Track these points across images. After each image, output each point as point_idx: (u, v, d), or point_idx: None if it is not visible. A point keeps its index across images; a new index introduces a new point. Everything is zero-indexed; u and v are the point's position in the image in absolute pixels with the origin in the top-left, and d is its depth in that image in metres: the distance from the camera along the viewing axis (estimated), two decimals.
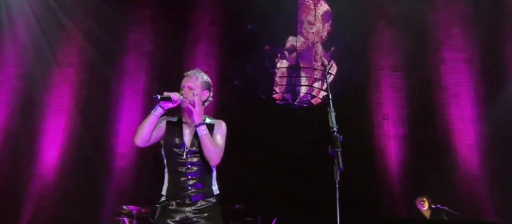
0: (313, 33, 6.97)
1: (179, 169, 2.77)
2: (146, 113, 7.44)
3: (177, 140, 2.81)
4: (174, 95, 2.74)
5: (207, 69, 7.40)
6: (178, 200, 2.74)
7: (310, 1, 7.07)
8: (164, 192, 2.82)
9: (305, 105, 6.83)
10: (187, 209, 2.73)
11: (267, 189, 6.33)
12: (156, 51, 7.56)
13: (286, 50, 6.94)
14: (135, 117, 7.34)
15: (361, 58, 7.18)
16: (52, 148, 7.15)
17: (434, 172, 6.59)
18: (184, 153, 2.77)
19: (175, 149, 2.79)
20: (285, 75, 6.85)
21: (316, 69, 6.76)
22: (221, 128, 2.88)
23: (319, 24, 7.00)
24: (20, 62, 7.42)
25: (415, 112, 6.91)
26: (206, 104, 2.94)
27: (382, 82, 7.15)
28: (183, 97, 2.78)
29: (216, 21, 7.62)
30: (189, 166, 2.76)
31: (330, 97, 2.69)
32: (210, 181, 2.83)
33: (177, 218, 2.72)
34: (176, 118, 2.93)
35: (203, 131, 2.73)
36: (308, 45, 6.93)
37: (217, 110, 6.95)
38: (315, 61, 6.82)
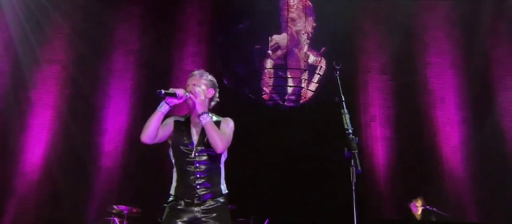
0: (298, 30, 6.99)
1: (188, 168, 2.77)
2: (133, 111, 7.43)
3: (185, 139, 2.82)
4: (179, 91, 2.75)
5: (195, 69, 7.36)
6: (186, 200, 2.74)
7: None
8: (172, 191, 2.82)
9: (293, 105, 6.85)
10: (195, 209, 2.73)
11: (259, 189, 6.34)
12: (143, 49, 7.50)
13: (272, 49, 6.95)
14: (122, 115, 7.28)
15: (349, 60, 7.23)
16: (37, 146, 7.02)
17: (420, 173, 6.72)
18: (193, 152, 2.78)
19: (183, 148, 2.80)
20: (272, 76, 6.86)
21: (304, 70, 6.78)
22: (227, 123, 2.91)
23: (303, 20, 7.03)
24: (5, 58, 7.25)
25: (401, 114, 7.01)
26: (212, 103, 2.97)
27: (369, 84, 7.23)
28: (189, 94, 2.79)
29: (204, 20, 7.59)
30: (198, 165, 2.77)
31: (343, 99, 2.68)
32: (218, 180, 2.84)
33: (186, 218, 2.72)
34: (184, 118, 2.95)
35: (206, 118, 2.74)
36: (295, 42, 6.95)
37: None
38: (303, 60, 6.84)
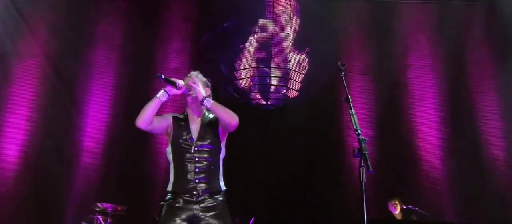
0: (283, 29, 7.03)
1: (187, 163, 2.78)
2: (115, 107, 7.32)
3: (185, 134, 2.85)
4: (179, 81, 2.80)
5: (179, 66, 7.36)
6: (185, 196, 2.73)
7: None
8: (169, 188, 2.81)
9: (276, 104, 6.89)
10: (194, 206, 2.72)
11: (244, 188, 6.34)
12: (126, 45, 7.41)
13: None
14: (103, 112, 7.18)
15: (331, 60, 7.30)
16: (13, 143, 6.85)
17: (400, 173, 6.85)
18: (193, 147, 2.80)
19: (183, 144, 2.82)
20: (256, 75, 6.88)
21: (289, 69, 6.83)
22: None
23: (288, 19, 7.08)
24: None
25: (382, 115, 7.13)
26: None
27: (351, 85, 7.31)
28: (188, 87, 2.85)
29: (189, 17, 7.55)
30: (197, 159, 2.78)
31: (350, 100, 2.70)
32: (217, 177, 2.86)
33: (185, 216, 2.71)
34: (182, 115, 2.97)
35: (210, 101, 2.80)
36: (280, 41, 6.98)
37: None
38: (287, 60, 6.89)
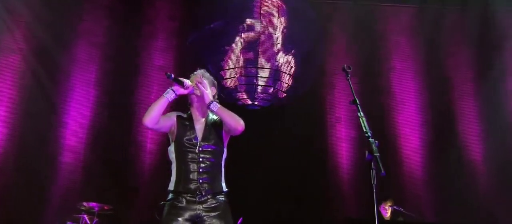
0: (270, 29, 7.03)
1: (191, 163, 2.76)
2: (97, 105, 7.20)
3: (189, 134, 2.83)
4: (187, 81, 2.79)
5: (164, 64, 7.31)
6: (188, 196, 2.71)
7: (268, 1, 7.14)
8: (172, 187, 2.78)
9: (263, 105, 6.89)
10: (197, 206, 2.70)
11: (232, 188, 6.31)
12: (109, 42, 7.28)
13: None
14: (85, 108, 7.05)
15: (316, 62, 7.37)
16: None
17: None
18: (197, 146, 2.78)
19: (187, 143, 2.80)
20: (243, 74, 6.87)
21: (275, 70, 6.84)
22: None
23: (275, 19, 7.09)
24: None
25: (365, 116, 7.20)
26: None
27: (336, 86, 7.40)
28: (195, 87, 2.83)
29: (174, 16, 7.49)
30: (201, 160, 2.76)
31: (358, 102, 2.70)
32: (219, 177, 2.85)
33: (188, 216, 2.69)
34: (186, 114, 2.95)
35: (216, 105, 2.79)
36: (267, 41, 6.98)
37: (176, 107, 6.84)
38: (274, 60, 6.90)
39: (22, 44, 7.00)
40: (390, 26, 7.65)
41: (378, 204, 5.88)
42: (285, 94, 7.01)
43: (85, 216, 5.18)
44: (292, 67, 6.97)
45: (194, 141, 2.80)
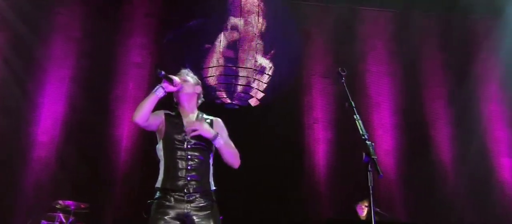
0: (250, 29, 7.06)
1: (179, 161, 2.75)
2: (71, 101, 7.03)
3: (178, 131, 2.81)
4: (176, 79, 2.80)
5: (141, 61, 7.22)
6: (176, 195, 2.68)
7: None
8: (159, 185, 2.75)
9: (242, 104, 6.91)
10: (186, 205, 2.69)
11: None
12: (86, 37, 7.14)
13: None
14: (58, 104, 6.90)
15: (295, 63, 7.44)
16: None
17: (356, 174, 7.06)
18: (185, 144, 2.77)
19: (176, 141, 2.78)
20: (222, 73, 6.87)
21: (255, 69, 6.87)
22: (221, 126, 2.99)
23: (255, 20, 7.12)
24: None
25: (342, 117, 7.32)
26: (199, 101, 3.03)
27: (313, 87, 7.49)
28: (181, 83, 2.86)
29: (152, 13, 7.41)
30: (190, 157, 2.75)
31: (353, 105, 2.74)
32: (208, 175, 2.85)
33: (175, 215, 2.66)
34: (174, 112, 2.93)
35: (220, 141, 2.80)
36: (247, 41, 7.01)
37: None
38: (253, 60, 6.93)
39: None
40: (367, 30, 7.79)
41: (356, 204, 6.02)
42: (263, 94, 7.05)
43: (60, 214, 5.07)
44: (271, 67, 7.02)
45: (183, 139, 2.79)
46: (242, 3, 7.04)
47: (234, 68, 6.75)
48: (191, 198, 2.70)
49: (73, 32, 7.11)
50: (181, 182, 2.71)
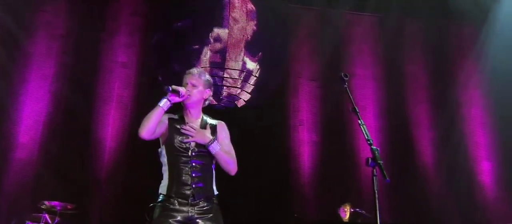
0: (238, 31, 7.05)
1: (183, 167, 2.72)
2: (54, 100, 6.89)
3: (181, 138, 2.76)
4: (182, 89, 2.74)
5: (127, 60, 7.13)
6: (179, 199, 2.67)
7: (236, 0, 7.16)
8: (163, 190, 2.73)
9: (228, 106, 6.91)
10: (190, 209, 2.67)
11: None
12: (69, 35, 7.00)
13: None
14: (40, 103, 6.74)
15: (281, 65, 7.47)
16: None
17: (341, 176, 7.15)
18: (189, 150, 2.74)
19: (180, 147, 2.75)
20: (210, 74, 6.84)
21: (242, 71, 6.87)
22: (225, 131, 2.96)
23: (244, 21, 7.12)
24: None
25: (327, 120, 7.39)
26: (206, 103, 2.98)
27: (299, 90, 7.53)
28: (188, 94, 2.80)
29: (138, 12, 7.32)
30: (194, 164, 2.73)
31: (357, 110, 2.74)
32: (211, 181, 2.84)
33: (180, 218, 2.65)
34: (178, 116, 2.88)
35: (216, 148, 2.76)
36: (235, 42, 7.00)
37: (136, 106, 6.72)
38: (241, 61, 6.93)
39: None
40: (353, 33, 7.88)
41: (338, 207, 6.09)
42: (250, 96, 7.05)
43: (46, 215, 4.96)
44: (258, 69, 7.03)
45: (186, 145, 2.77)
46: (231, 5, 7.03)
47: (222, 70, 6.73)
48: (194, 202, 2.70)
49: (57, 30, 6.96)
50: (186, 189, 2.71)
